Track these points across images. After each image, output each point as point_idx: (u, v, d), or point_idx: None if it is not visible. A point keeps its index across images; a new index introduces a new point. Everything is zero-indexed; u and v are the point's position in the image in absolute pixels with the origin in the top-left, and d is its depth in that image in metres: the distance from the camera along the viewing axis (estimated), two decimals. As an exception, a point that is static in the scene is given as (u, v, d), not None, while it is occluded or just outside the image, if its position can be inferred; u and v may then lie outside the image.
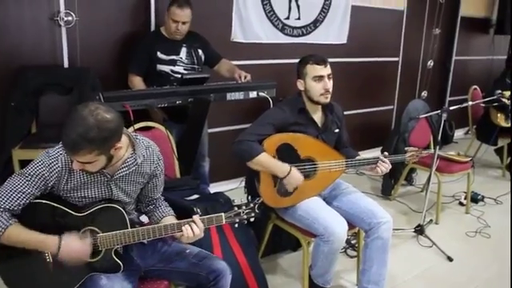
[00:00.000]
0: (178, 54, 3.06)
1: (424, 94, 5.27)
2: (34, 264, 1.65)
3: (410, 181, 4.26)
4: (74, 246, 1.61)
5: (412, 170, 4.11)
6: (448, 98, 5.61)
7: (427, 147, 3.93)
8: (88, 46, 3.00)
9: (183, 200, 2.37)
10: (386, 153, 2.44)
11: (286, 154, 2.27)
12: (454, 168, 3.56)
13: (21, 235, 1.58)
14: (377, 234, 2.29)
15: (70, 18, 2.91)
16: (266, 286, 2.40)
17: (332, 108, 2.48)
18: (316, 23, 4.10)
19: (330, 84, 2.32)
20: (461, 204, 3.88)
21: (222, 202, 2.39)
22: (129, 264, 1.77)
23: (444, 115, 3.07)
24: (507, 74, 4.49)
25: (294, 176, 2.22)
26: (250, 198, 2.46)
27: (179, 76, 2.97)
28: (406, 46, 4.93)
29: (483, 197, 3.99)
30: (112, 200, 1.75)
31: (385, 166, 2.38)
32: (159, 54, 3.00)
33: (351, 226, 2.37)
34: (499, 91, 3.64)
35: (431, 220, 3.52)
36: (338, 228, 2.16)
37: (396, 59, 4.93)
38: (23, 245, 1.59)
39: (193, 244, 1.96)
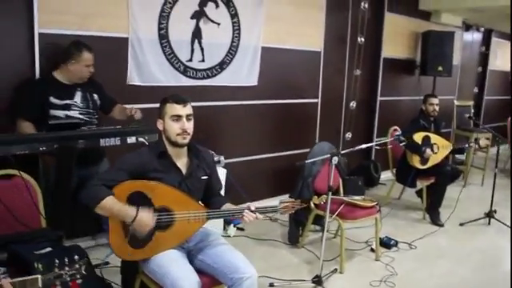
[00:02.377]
0: (72, 98, 3.08)
1: (348, 135, 5.38)
2: None
3: (323, 227, 4.25)
4: None
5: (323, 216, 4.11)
6: (375, 139, 5.74)
7: (336, 192, 3.96)
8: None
9: (30, 253, 2.29)
10: (252, 206, 2.40)
11: (138, 202, 2.22)
12: (357, 213, 3.58)
13: None
14: (238, 291, 2.24)
15: None
16: None
17: (198, 153, 2.47)
18: (222, 65, 4.17)
19: (188, 125, 2.32)
20: (372, 250, 3.88)
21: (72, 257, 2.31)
22: None
23: (334, 159, 3.11)
24: (421, 114, 4.64)
25: (142, 219, 2.17)
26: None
27: (75, 121, 3.01)
28: (325, 87, 5.06)
29: (397, 242, 4.00)
30: None
31: (252, 216, 2.36)
32: (52, 99, 3.00)
33: (217, 281, 2.33)
34: (399, 132, 3.74)
35: (335, 269, 3.49)
36: (185, 284, 2.09)
37: (315, 100, 5.04)
38: None
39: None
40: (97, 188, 2.17)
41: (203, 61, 4.03)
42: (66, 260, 1.81)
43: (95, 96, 3.22)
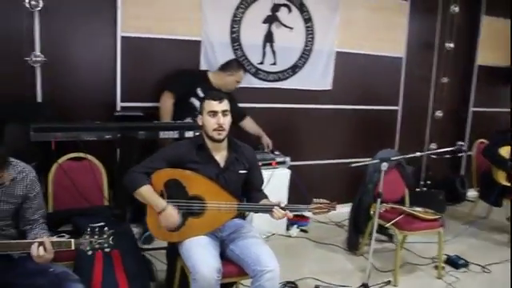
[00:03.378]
0: None
1: (433, 145, 5.09)
2: None
3: (390, 237, 4.12)
4: None
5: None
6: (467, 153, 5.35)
7: (401, 201, 3.81)
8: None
9: (86, 225, 2.61)
10: (282, 203, 2.47)
11: (174, 189, 2.44)
12: (416, 225, 3.41)
13: None
14: (259, 283, 2.32)
15: (39, 59, 3.40)
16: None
17: (237, 148, 2.60)
18: (295, 69, 4.27)
19: (223, 120, 2.46)
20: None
21: (119, 233, 2.61)
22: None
23: (384, 165, 3.03)
24: None
25: (168, 214, 2.38)
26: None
27: None
28: (407, 95, 4.89)
29: (467, 262, 3.72)
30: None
31: (281, 213, 2.44)
32: (198, 90, 3.57)
33: (244, 272, 2.43)
34: (461, 142, 3.47)
35: (389, 281, 3.38)
36: (203, 268, 2.23)
37: (395, 108, 4.89)
38: None
39: (79, 265, 2.38)
40: (136, 175, 2.42)
41: (275, 64, 4.19)
42: (97, 230, 2.09)
43: None
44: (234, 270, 2.45)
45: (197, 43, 3.84)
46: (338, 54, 4.45)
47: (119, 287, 2.45)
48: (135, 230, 3.40)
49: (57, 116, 3.31)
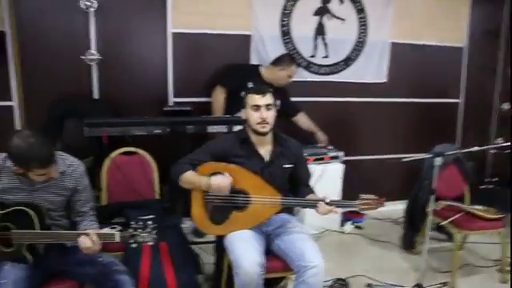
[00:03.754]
0: None
1: (499, 140, 4.75)
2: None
3: (450, 236, 3.89)
4: None
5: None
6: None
7: (459, 199, 3.59)
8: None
9: (135, 218, 2.67)
10: (327, 198, 2.38)
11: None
12: (475, 224, 3.20)
13: None
14: (302, 278, 2.28)
15: (95, 57, 3.53)
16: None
17: (283, 142, 2.55)
18: (348, 61, 4.15)
19: (266, 114, 2.42)
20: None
21: (168, 226, 2.66)
22: (41, 260, 2.12)
23: (438, 160, 2.85)
24: None
25: (215, 182, 2.35)
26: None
27: None
28: (469, 87, 4.60)
29: (536, 267, 3.44)
30: (29, 204, 2.11)
31: (326, 209, 2.36)
32: (249, 85, 3.49)
33: (289, 267, 2.39)
34: (500, 139, 3.18)
35: (446, 283, 3.19)
36: (246, 263, 2.21)
37: (456, 100, 4.62)
38: None
39: (127, 256, 2.45)
40: (181, 165, 2.45)
41: (327, 57, 4.09)
42: (141, 223, 2.12)
43: (277, 102, 3.60)
44: (278, 264, 2.42)
45: (247, 38, 3.83)
46: (394, 45, 4.27)
47: (166, 279, 2.48)
48: (188, 223, 3.43)
49: (112, 112, 3.45)
